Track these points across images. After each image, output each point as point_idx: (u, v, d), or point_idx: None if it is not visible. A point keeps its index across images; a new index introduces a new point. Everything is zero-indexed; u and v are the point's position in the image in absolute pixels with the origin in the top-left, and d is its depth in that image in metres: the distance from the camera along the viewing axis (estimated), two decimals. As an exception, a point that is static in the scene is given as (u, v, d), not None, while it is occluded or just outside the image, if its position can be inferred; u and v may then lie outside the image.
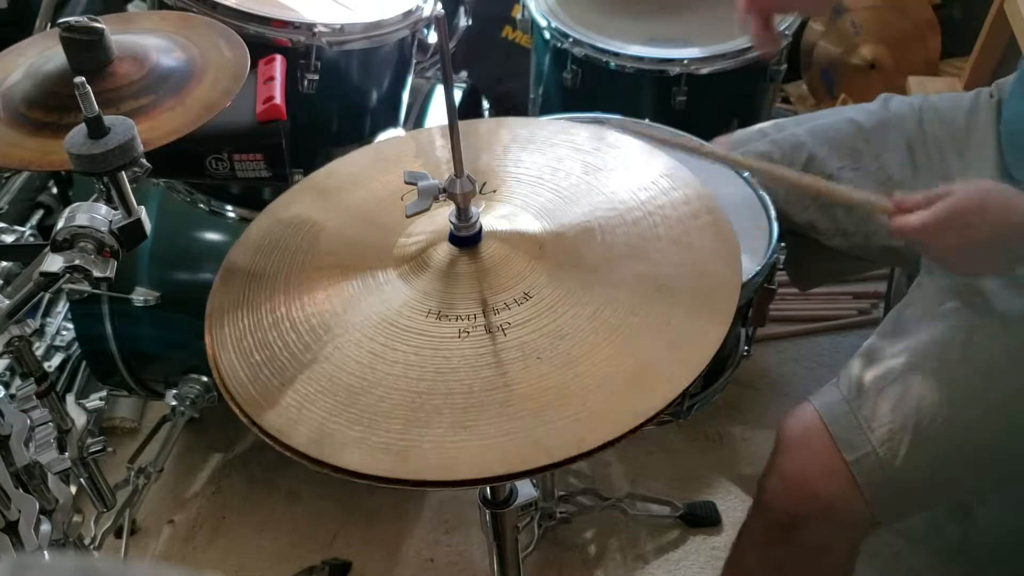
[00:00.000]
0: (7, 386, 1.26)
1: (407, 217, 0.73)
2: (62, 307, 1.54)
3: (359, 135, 1.34)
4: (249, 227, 0.82)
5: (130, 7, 2.02)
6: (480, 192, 0.80)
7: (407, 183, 0.75)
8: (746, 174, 1.20)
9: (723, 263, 0.72)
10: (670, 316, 0.68)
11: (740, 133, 1.30)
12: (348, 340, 0.69)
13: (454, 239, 0.74)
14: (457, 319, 0.69)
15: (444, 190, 0.72)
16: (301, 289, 0.74)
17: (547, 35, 1.52)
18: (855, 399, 0.98)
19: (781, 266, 1.12)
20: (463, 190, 0.71)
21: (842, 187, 1.05)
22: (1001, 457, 0.98)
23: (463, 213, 0.73)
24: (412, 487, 0.60)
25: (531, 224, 0.77)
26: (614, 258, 0.73)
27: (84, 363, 1.53)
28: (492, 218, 0.77)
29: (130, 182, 0.72)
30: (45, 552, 0.80)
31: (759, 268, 1.07)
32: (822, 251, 1.26)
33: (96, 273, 0.71)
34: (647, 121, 1.30)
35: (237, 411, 0.66)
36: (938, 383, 0.96)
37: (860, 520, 0.98)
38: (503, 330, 0.68)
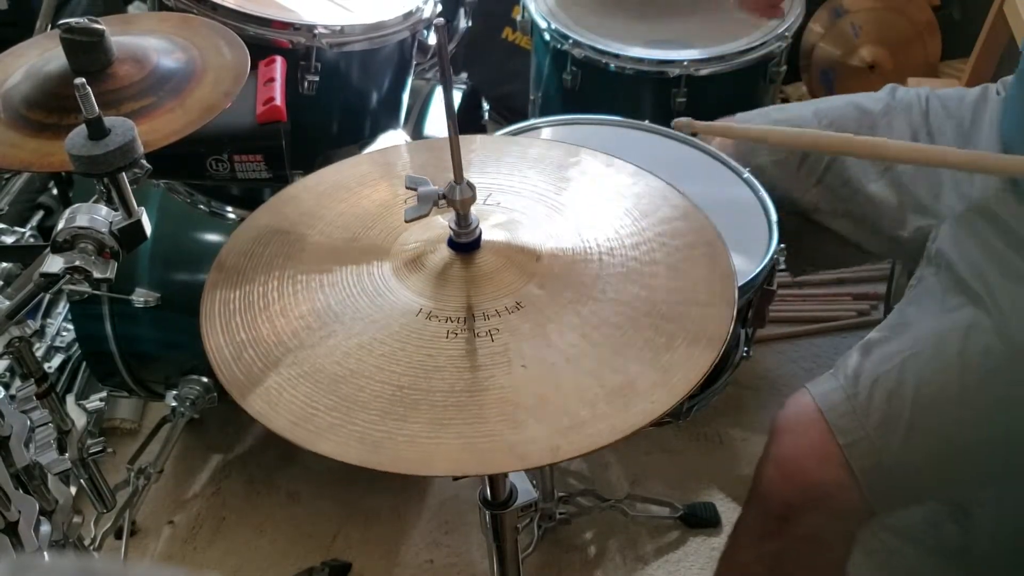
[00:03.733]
0: (7, 387, 1.26)
1: (405, 222, 0.74)
2: (62, 308, 1.54)
3: (359, 137, 1.34)
4: (248, 218, 0.83)
5: (130, 8, 2.02)
6: (485, 203, 0.81)
7: (408, 188, 0.75)
8: (746, 174, 1.20)
9: (717, 294, 0.72)
10: (658, 340, 0.68)
11: (743, 115, 1.30)
12: (336, 329, 0.69)
13: (453, 244, 0.75)
14: (447, 320, 0.70)
15: (443, 196, 0.72)
16: (296, 277, 0.75)
17: (547, 36, 1.53)
18: (852, 386, 0.98)
19: (781, 267, 1.12)
20: (462, 196, 0.72)
21: None
22: (998, 450, 0.98)
23: (462, 220, 0.73)
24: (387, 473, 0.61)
25: (530, 237, 0.77)
26: (608, 278, 0.73)
27: (84, 364, 1.53)
28: (493, 228, 0.77)
29: (130, 183, 0.72)
30: (45, 553, 0.80)
31: (758, 269, 1.07)
32: (823, 234, 1.26)
33: (96, 274, 0.71)
34: (646, 123, 1.30)
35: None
36: (936, 374, 0.96)
37: (855, 509, 0.97)
38: (491, 335, 0.68)
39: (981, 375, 0.95)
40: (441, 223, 0.76)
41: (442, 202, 0.73)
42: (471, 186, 0.72)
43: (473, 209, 0.74)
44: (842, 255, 1.37)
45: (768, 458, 1.02)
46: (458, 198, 0.72)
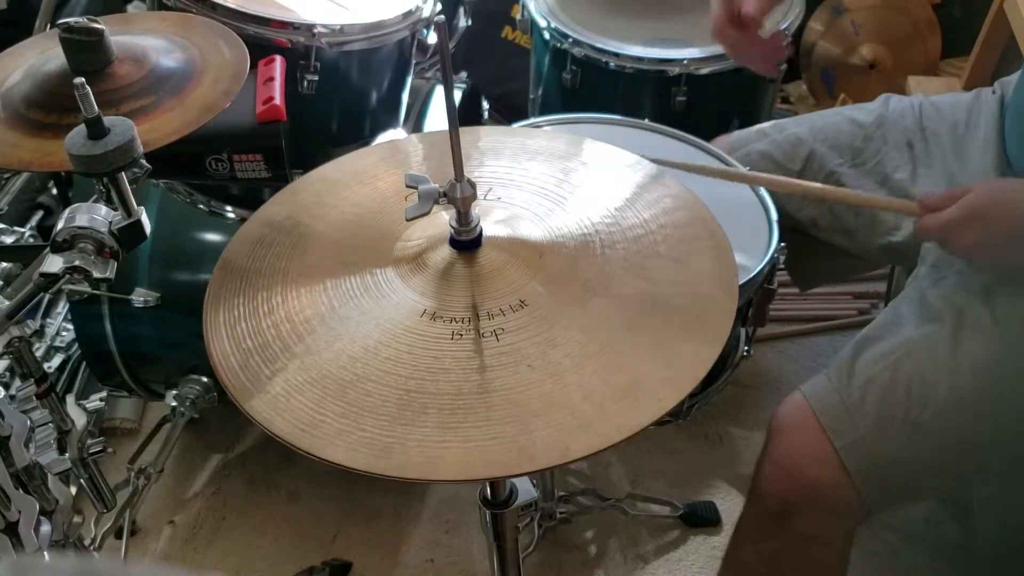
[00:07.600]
0: (7, 387, 1.26)
1: (407, 220, 0.73)
2: (62, 308, 1.54)
3: (359, 136, 1.34)
4: (249, 219, 0.82)
5: (130, 8, 2.02)
6: (485, 198, 0.80)
7: (408, 187, 0.75)
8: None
9: (720, 286, 0.72)
10: (662, 334, 0.68)
11: (739, 133, 1.30)
12: (341, 333, 0.69)
13: (454, 243, 0.74)
14: (451, 321, 0.69)
15: (444, 194, 0.72)
16: (299, 281, 0.74)
17: (547, 35, 1.52)
18: (844, 387, 0.99)
19: (781, 266, 1.12)
20: (463, 194, 0.71)
21: (868, 195, 1.06)
22: (996, 447, 0.98)
23: (463, 217, 0.73)
24: (398, 480, 0.61)
25: (533, 232, 0.77)
26: (612, 272, 0.73)
27: (84, 364, 1.53)
28: (494, 224, 0.77)
29: (130, 183, 0.72)
30: (45, 553, 0.80)
31: (759, 268, 1.07)
32: (823, 249, 1.26)
33: (96, 274, 0.71)
34: (646, 121, 1.30)
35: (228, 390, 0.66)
36: (928, 372, 0.96)
37: (851, 508, 0.98)
38: (496, 335, 0.68)
39: (974, 372, 0.95)
40: (444, 219, 0.75)
41: (443, 199, 0.72)
42: (472, 184, 0.71)
43: (473, 205, 0.73)
44: (844, 267, 1.38)
45: (766, 458, 1.03)
46: (459, 196, 0.71)
